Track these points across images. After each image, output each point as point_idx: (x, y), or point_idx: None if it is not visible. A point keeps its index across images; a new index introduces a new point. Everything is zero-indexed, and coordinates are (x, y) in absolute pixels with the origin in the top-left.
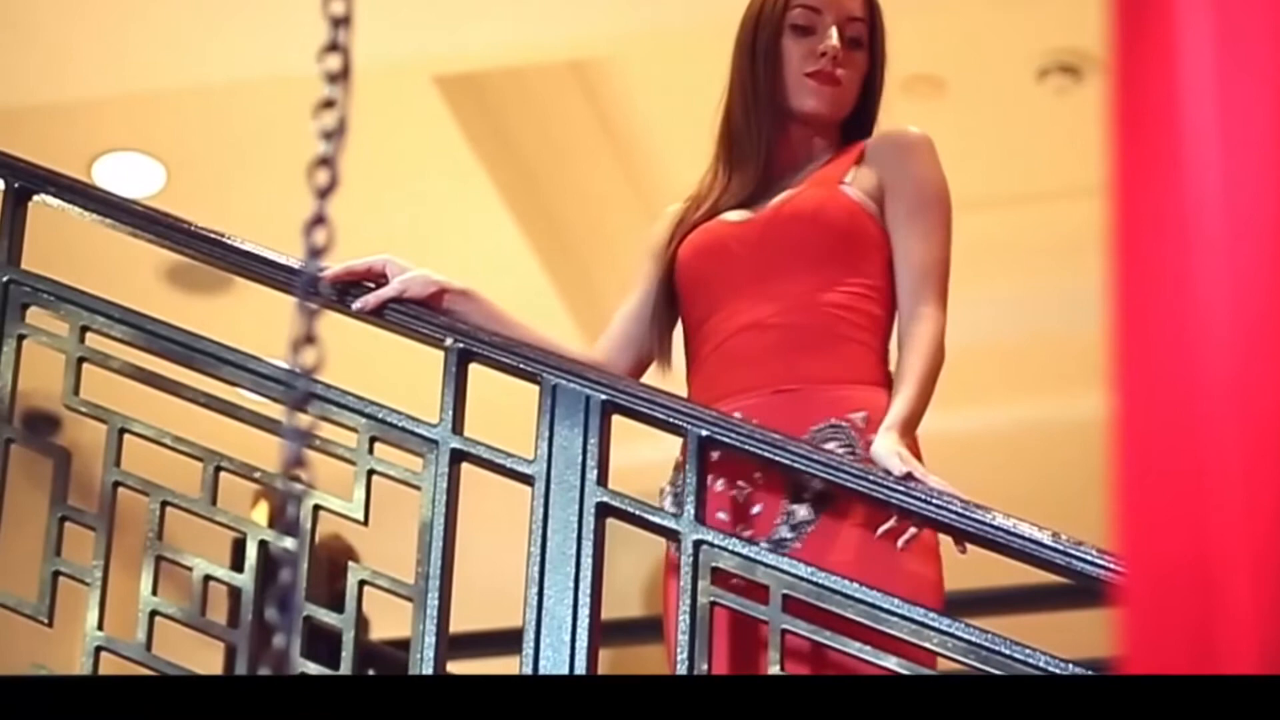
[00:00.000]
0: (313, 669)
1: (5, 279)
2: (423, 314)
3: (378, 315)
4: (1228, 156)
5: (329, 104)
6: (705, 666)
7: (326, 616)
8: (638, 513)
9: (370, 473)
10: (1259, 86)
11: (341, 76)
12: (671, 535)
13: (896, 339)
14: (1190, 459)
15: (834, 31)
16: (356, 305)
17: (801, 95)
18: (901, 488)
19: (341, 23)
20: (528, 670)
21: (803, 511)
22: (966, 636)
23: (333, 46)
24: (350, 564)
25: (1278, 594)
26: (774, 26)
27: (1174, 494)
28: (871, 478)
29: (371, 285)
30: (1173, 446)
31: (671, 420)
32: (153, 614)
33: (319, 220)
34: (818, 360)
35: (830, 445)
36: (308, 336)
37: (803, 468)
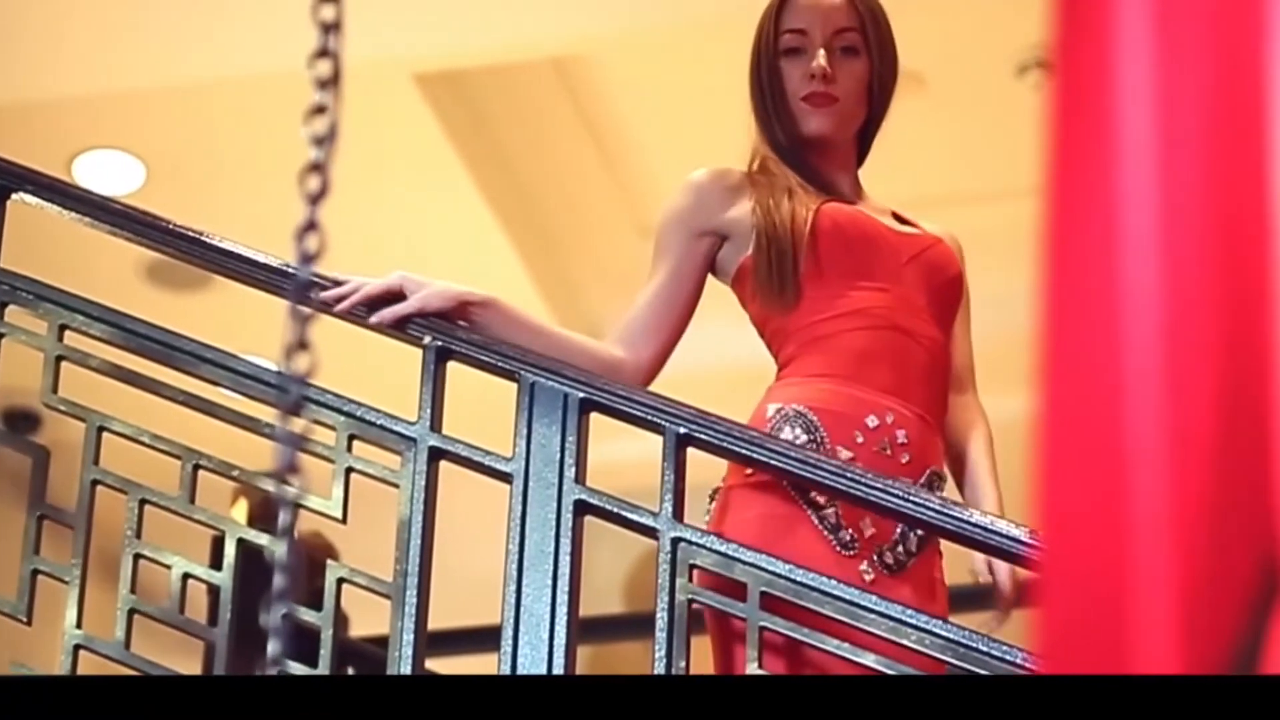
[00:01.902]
0: (296, 668)
1: None
2: None
3: (399, 329)
4: (1163, 157)
5: (320, 110)
6: (684, 664)
7: (306, 614)
8: (616, 510)
9: (349, 470)
10: (1196, 88)
11: (332, 82)
12: (650, 533)
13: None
14: (1113, 459)
15: (820, 52)
16: (374, 319)
17: (803, 120)
18: (878, 484)
19: (332, 28)
20: (506, 667)
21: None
22: (944, 633)
23: (323, 52)
24: (329, 562)
25: (1198, 595)
26: (770, 56)
27: (1096, 492)
28: (848, 474)
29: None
30: (1096, 446)
31: (650, 418)
32: (131, 612)
33: (311, 226)
34: (941, 404)
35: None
36: (300, 342)
37: (779, 464)
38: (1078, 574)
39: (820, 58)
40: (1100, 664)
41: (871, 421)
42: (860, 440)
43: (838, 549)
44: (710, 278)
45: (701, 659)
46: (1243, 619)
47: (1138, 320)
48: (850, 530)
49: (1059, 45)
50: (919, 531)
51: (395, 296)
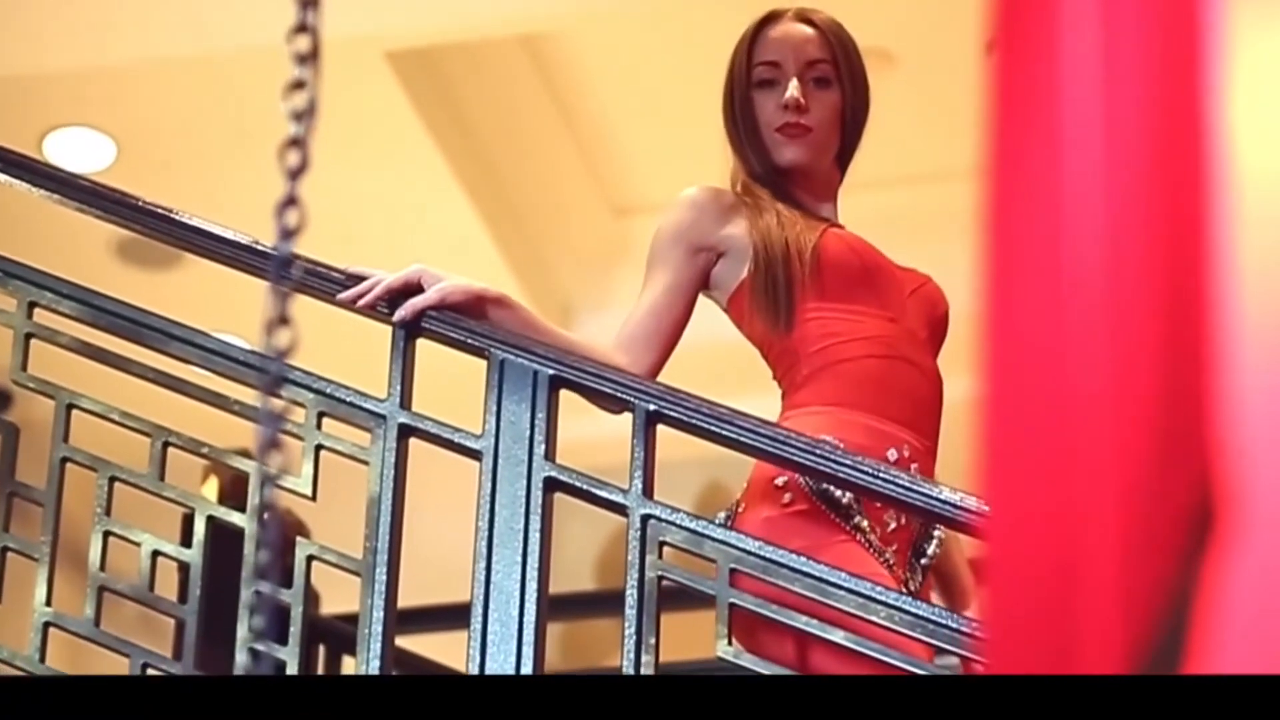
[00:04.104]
0: (274, 650)
1: None
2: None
3: (415, 324)
4: (1105, 130)
5: (299, 85)
6: (654, 641)
7: (276, 591)
8: (585, 487)
9: (318, 448)
10: (1140, 63)
11: (311, 58)
12: (619, 510)
13: None
14: (1058, 441)
15: (793, 83)
16: (397, 316)
17: (776, 150)
18: (849, 461)
19: (310, 4)
20: (476, 645)
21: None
22: (914, 610)
23: (302, 28)
24: (299, 539)
25: (1144, 587)
26: (743, 87)
27: (1040, 480)
28: (819, 452)
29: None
30: (1041, 430)
31: (619, 395)
32: (101, 590)
33: (291, 201)
34: (938, 435)
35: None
36: (281, 318)
37: (748, 441)
38: (1024, 546)
39: (793, 88)
40: (1045, 629)
41: (891, 455)
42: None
43: (886, 570)
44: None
45: (672, 635)
46: (1178, 561)
47: (1080, 289)
48: (886, 552)
49: (1002, 22)
50: (922, 561)
51: (413, 289)
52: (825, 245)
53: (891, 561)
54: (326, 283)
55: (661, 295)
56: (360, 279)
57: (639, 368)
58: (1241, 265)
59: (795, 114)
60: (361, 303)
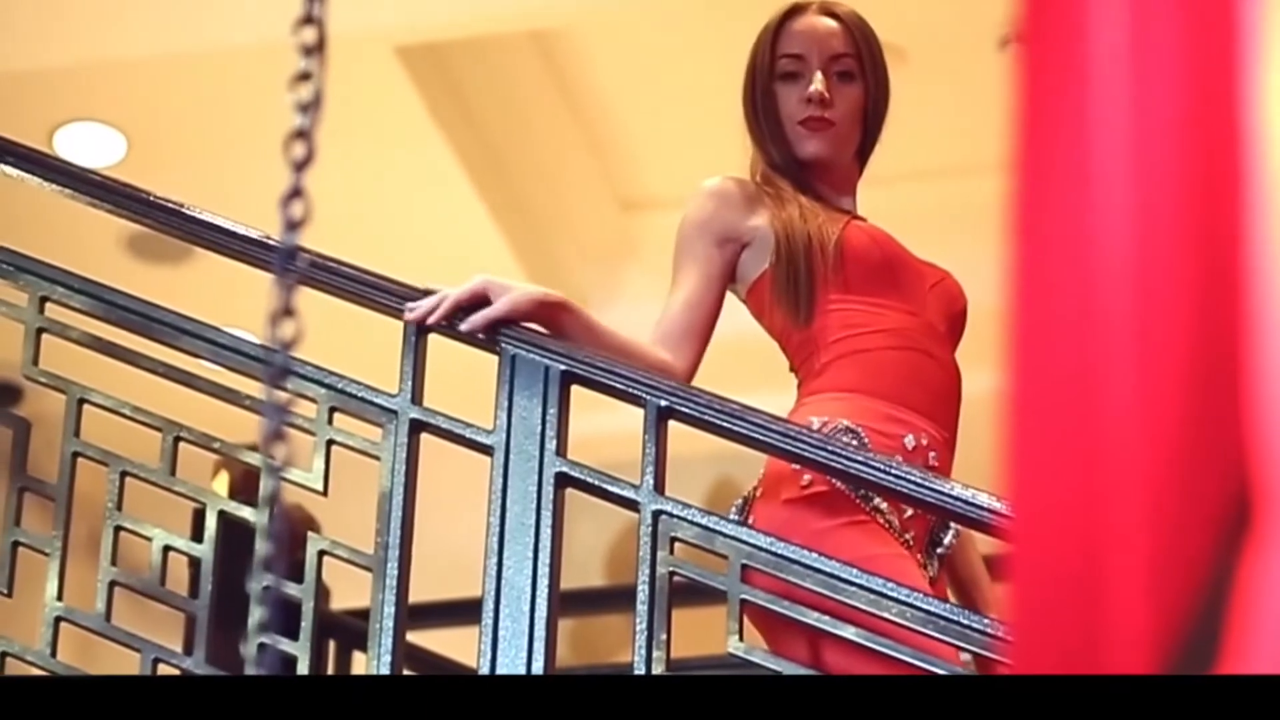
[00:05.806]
0: (284, 645)
1: None
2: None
3: (489, 337)
4: (1135, 120)
5: (305, 77)
6: (665, 637)
7: (287, 586)
8: (597, 483)
9: (330, 443)
10: (1170, 55)
11: (317, 49)
12: (631, 505)
13: None
14: (1085, 437)
15: (818, 76)
16: (464, 326)
17: (798, 143)
18: (860, 457)
19: None
20: (487, 640)
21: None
22: (925, 606)
23: (308, 19)
24: (310, 534)
25: (1174, 585)
26: (766, 79)
27: (1067, 477)
28: (830, 448)
29: None
30: (1068, 427)
31: (630, 390)
32: (112, 584)
33: (296, 193)
34: (957, 428)
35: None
36: (286, 309)
37: (760, 437)
38: (1049, 543)
39: (818, 82)
40: (1070, 628)
41: (909, 442)
42: (899, 460)
43: (906, 550)
44: None
45: (682, 631)
46: (1213, 555)
47: (1110, 281)
48: (905, 534)
49: (1029, 11)
50: (938, 550)
51: (480, 300)
52: (848, 238)
53: (910, 544)
54: (334, 276)
55: (694, 290)
56: (426, 294)
57: (683, 364)
58: (1277, 256)
59: (819, 107)
60: (431, 319)
